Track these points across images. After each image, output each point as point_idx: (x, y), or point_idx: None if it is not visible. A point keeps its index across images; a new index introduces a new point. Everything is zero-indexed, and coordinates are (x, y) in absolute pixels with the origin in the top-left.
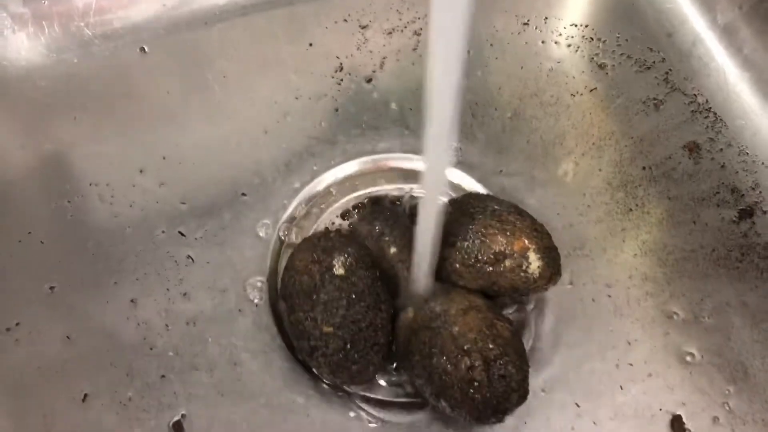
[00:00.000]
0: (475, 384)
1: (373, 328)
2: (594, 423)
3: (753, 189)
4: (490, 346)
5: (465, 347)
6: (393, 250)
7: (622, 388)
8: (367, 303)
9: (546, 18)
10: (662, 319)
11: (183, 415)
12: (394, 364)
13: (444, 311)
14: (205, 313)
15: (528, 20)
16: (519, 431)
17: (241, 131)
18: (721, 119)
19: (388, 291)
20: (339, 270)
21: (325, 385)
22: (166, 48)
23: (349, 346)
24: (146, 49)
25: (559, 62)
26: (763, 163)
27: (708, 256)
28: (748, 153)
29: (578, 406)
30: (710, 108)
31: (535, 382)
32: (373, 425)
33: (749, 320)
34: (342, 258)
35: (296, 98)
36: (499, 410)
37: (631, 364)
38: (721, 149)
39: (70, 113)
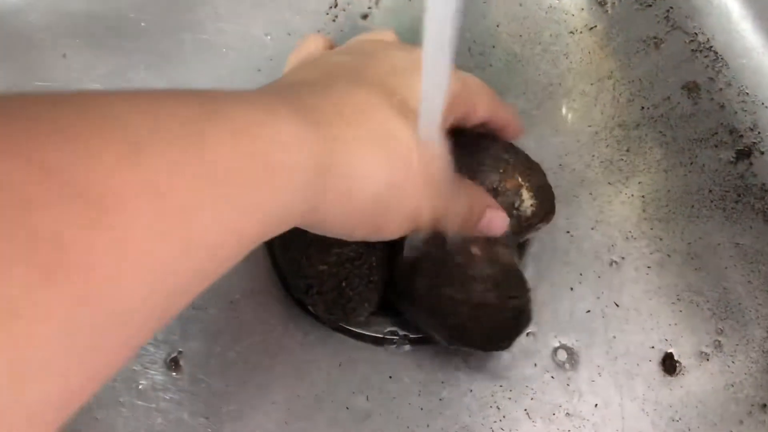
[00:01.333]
0: (486, 309)
1: (368, 266)
2: (588, 362)
3: (751, 130)
4: (495, 271)
5: (471, 274)
6: None
7: (613, 331)
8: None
9: None
10: (657, 260)
11: (180, 352)
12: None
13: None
14: None
15: None
16: (515, 363)
17: (234, 69)
18: (721, 58)
19: None
20: None
21: (321, 324)
22: None
23: (344, 284)
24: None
25: (559, 1)
26: (762, 103)
27: (704, 198)
28: (747, 93)
29: (570, 346)
30: (711, 47)
31: None
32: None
33: (742, 260)
34: None
35: (289, 34)
36: (508, 334)
37: (617, 305)
38: (721, 89)
39: (61, 50)
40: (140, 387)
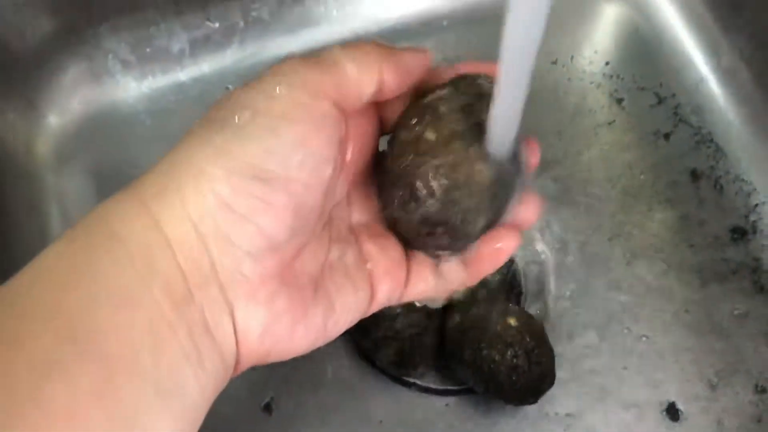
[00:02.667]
0: (518, 370)
1: (426, 331)
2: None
3: (746, 212)
4: (528, 339)
5: (508, 341)
6: None
7: (620, 385)
8: (420, 311)
9: (572, 57)
10: (659, 324)
11: (272, 398)
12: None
13: (487, 313)
14: None
15: (556, 59)
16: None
17: None
18: (721, 149)
19: None
20: None
21: (385, 375)
22: None
23: (406, 345)
24: (230, 87)
25: (583, 98)
26: (755, 189)
27: (704, 270)
28: (743, 180)
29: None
30: (712, 139)
31: None
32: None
33: (738, 324)
34: None
35: None
36: (536, 392)
37: (625, 367)
38: (720, 176)
39: (168, 144)
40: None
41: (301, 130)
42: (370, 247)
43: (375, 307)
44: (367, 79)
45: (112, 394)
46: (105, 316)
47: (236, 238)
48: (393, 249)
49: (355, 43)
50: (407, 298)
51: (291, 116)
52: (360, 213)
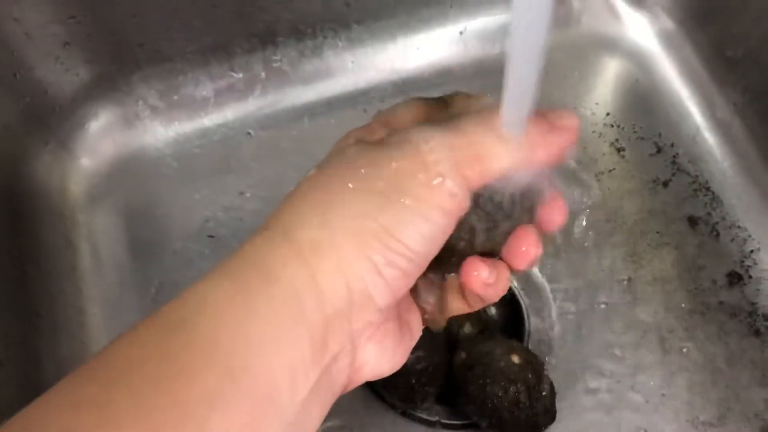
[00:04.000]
0: (520, 405)
1: (433, 367)
2: None
3: (741, 258)
4: (530, 375)
5: (511, 377)
6: None
7: (620, 419)
8: (428, 348)
9: (575, 107)
10: (662, 372)
11: None
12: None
13: (491, 350)
14: None
15: None
16: None
17: None
18: (717, 197)
19: (444, 337)
20: None
21: (394, 410)
22: (269, 132)
23: (413, 380)
24: (251, 133)
25: (585, 147)
26: (750, 236)
27: (703, 313)
28: (739, 227)
29: None
30: (709, 187)
31: None
32: None
33: (735, 365)
34: None
35: None
36: (536, 427)
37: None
38: (716, 222)
39: (193, 186)
40: None
41: (449, 220)
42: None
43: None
44: (506, 164)
45: (257, 430)
46: (257, 355)
47: (377, 297)
48: (429, 277)
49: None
50: (446, 318)
51: (443, 207)
52: None
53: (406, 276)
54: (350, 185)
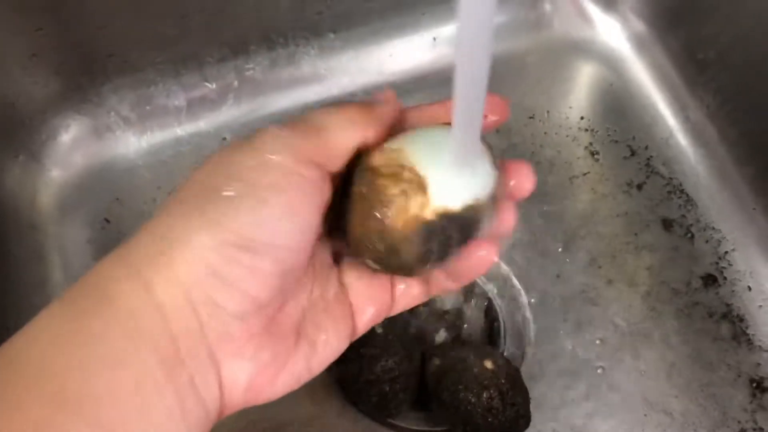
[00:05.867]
0: (493, 411)
1: (406, 375)
2: None
3: (716, 259)
4: (503, 381)
5: (484, 383)
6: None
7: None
8: (400, 355)
9: (548, 111)
10: (638, 367)
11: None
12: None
13: (465, 357)
14: None
15: (533, 114)
16: None
17: None
18: (692, 199)
19: (418, 344)
20: (378, 329)
21: (368, 418)
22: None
23: (387, 388)
24: (226, 141)
25: (559, 151)
26: (725, 237)
27: (679, 316)
28: (713, 228)
29: None
30: (683, 189)
31: None
32: None
33: (708, 364)
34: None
35: None
36: None
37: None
38: (691, 224)
39: (167, 196)
40: None
41: (290, 199)
42: (352, 277)
43: (358, 335)
44: (352, 141)
45: None
46: (95, 379)
47: (225, 303)
48: (378, 276)
49: (335, 106)
50: (395, 312)
51: (280, 186)
52: (341, 242)
53: (256, 272)
54: (183, 192)
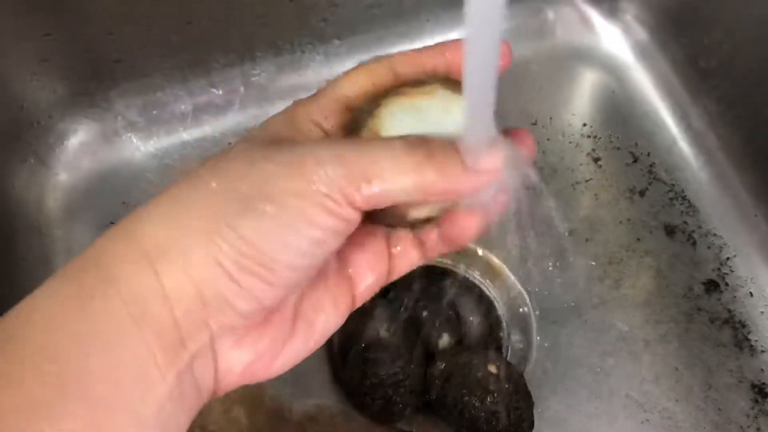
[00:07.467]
0: (497, 415)
1: (410, 379)
2: None
3: (718, 265)
4: (506, 385)
5: (488, 387)
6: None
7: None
8: (404, 359)
9: (551, 118)
10: (644, 374)
11: None
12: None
13: (469, 361)
14: None
15: (536, 120)
16: None
17: None
18: (693, 205)
19: (421, 348)
20: (383, 333)
21: (372, 422)
22: None
23: (390, 392)
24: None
25: (561, 157)
26: (726, 244)
27: (682, 321)
28: (715, 234)
29: None
30: (685, 196)
31: None
32: None
33: (713, 369)
34: (386, 324)
35: None
36: None
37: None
38: (693, 230)
39: None
40: None
41: (322, 235)
42: (351, 250)
43: (357, 306)
44: (400, 195)
45: None
46: (93, 357)
47: (236, 303)
48: (375, 242)
49: (399, 140)
50: (393, 279)
51: (316, 223)
52: None
53: (270, 285)
54: (213, 184)
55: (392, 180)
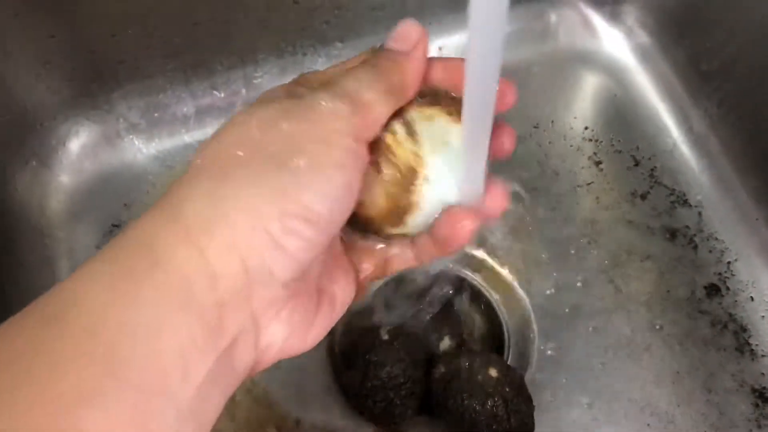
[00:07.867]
0: (498, 419)
1: (411, 381)
2: None
3: (719, 270)
4: (507, 388)
5: (489, 391)
6: (426, 317)
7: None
8: (405, 362)
9: (553, 121)
10: (645, 376)
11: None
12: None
13: (470, 364)
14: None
15: (538, 123)
16: None
17: None
18: (695, 209)
19: (422, 351)
20: (384, 336)
21: (373, 424)
22: None
23: (392, 394)
24: None
25: (563, 160)
26: (727, 248)
27: (683, 326)
28: (716, 238)
29: None
30: (686, 200)
31: None
32: None
33: (715, 372)
34: (387, 327)
35: None
36: None
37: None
38: (694, 234)
39: None
40: None
41: (350, 178)
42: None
43: (361, 292)
44: (390, 112)
45: (145, 422)
46: (141, 343)
47: (279, 272)
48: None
49: (371, 66)
50: (390, 273)
51: (343, 165)
52: None
53: (311, 243)
54: (240, 153)
55: (379, 99)
